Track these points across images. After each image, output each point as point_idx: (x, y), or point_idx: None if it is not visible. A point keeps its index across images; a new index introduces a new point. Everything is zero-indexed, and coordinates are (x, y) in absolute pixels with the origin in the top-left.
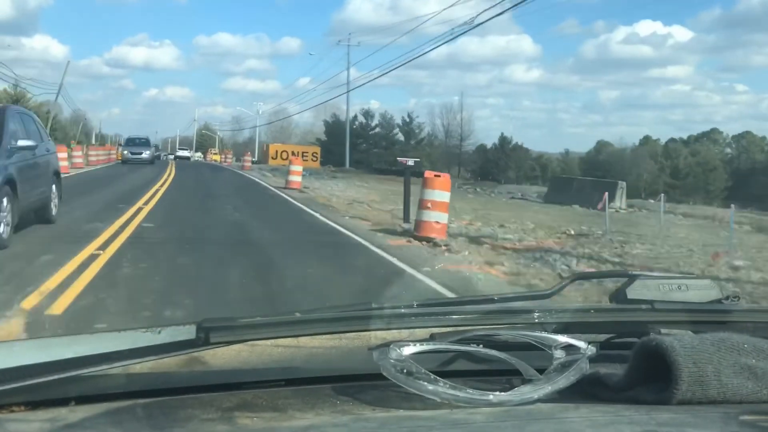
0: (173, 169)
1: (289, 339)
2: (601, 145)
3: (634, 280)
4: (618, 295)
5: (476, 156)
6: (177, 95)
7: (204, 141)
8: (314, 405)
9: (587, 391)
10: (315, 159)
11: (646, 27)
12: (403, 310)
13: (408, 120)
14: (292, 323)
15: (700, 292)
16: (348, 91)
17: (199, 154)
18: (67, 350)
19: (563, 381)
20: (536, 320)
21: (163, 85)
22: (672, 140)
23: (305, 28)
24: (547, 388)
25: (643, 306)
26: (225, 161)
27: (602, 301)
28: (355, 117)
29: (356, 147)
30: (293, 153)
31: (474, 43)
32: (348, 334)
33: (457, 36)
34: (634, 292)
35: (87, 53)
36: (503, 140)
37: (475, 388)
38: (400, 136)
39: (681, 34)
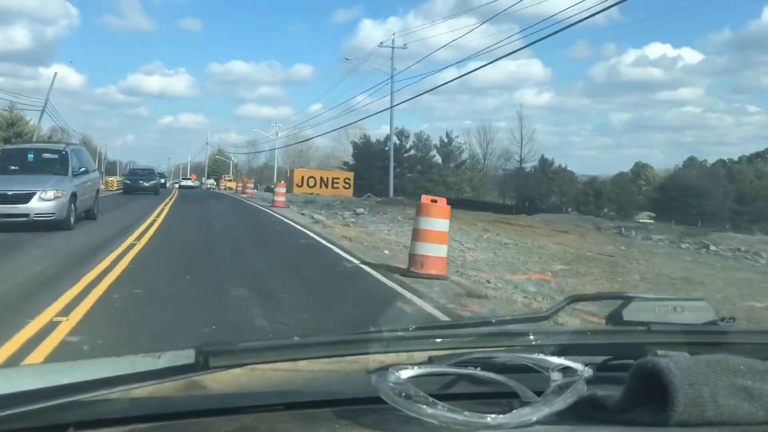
0: (170, 205)
1: (288, 363)
2: (639, 167)
3: (630, 302)
4: (614, 317)
5: (514, 180)
6: (191, 122)
7: (218, 167)
8: (313, 429)
9: (584, 413)
10: (347, 186)
11: (656, 50)
12: (401, 334)
13: (446, 140)
14: (290, 347)
15: (695, 313)
16: (392, 106)
17: (211, 181)
18: (65, 376)
19: (560, 403)
20: (533, 342)
21: (177, 112)
22: (721, 161)
23: (317, 55)
24: (544, 411)
25: (639, 328)
26: (243, 191)
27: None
28: (388, 138)
29: (389, 170)
30: (322, 179)
31: (484, 67)
32: (346, 358)
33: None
34: (630, 313)
35: (103, 82)
36: (544, 162)
37: (473, 411)
38: (438, 159)
39: (691, 56)
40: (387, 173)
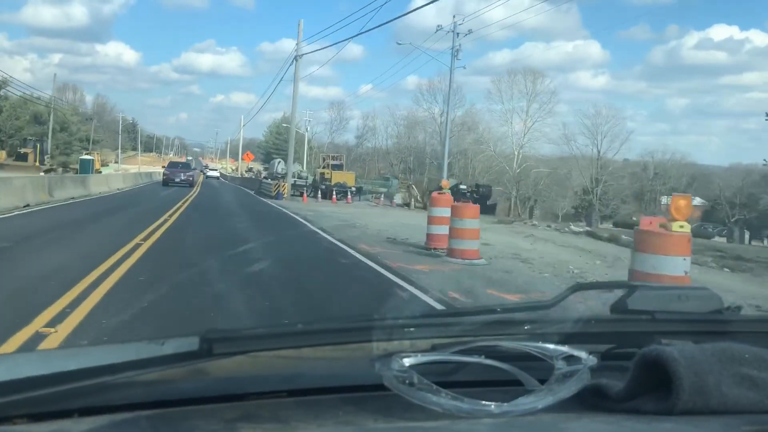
0: None
1: (292, 350)
2: None
3: (635, 290)
4: (618, 306)
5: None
6: (242, 101)
7: (281, 143)
8: (317, 416)
9: (589, 401)
10: None
11: (720, 32)
12: (404, 322)
13: None
14: (294, 334)
15: (700, 302)
16: None
17: (300, 168)
18: (70, 362)
19: (565, 391)
20: (537, 331)
21: (228, 91)
22: None
23: (368, 35)
24: (548, 399)
25: (644, 316)
26: None
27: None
28: None
29: None
30: None
31: (539, 48)
32: (350, 345)
33: None
34: (634, 302)
35: (157, 60)
36: None
37: (477, 399)
38: None
39: (759, 38)
40: None
